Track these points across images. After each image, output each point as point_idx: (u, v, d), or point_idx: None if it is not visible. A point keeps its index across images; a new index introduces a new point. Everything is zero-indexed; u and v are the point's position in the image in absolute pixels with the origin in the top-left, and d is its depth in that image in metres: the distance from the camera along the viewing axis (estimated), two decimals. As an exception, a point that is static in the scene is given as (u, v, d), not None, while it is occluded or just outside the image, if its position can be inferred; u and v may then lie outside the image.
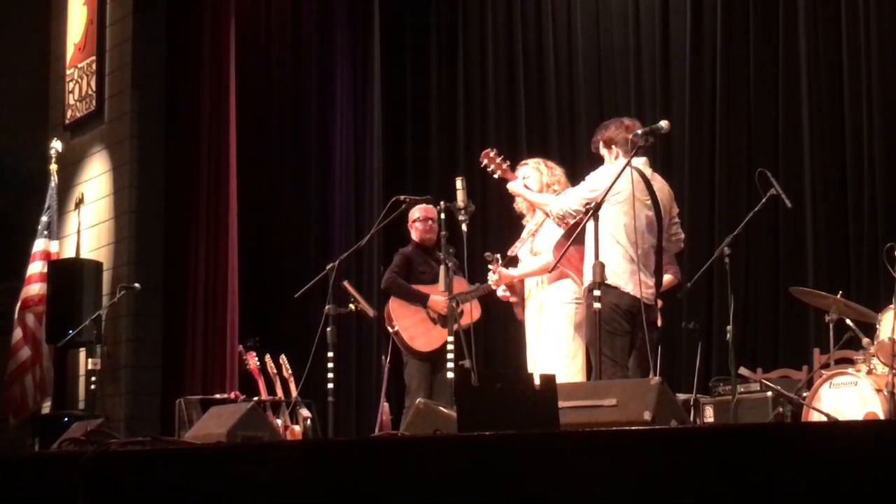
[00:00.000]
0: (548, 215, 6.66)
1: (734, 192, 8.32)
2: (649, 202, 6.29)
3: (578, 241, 6.19)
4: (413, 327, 7.65)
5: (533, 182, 7.01)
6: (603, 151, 6.49)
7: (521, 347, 7.08)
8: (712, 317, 8.16)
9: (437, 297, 7.54)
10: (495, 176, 7.00)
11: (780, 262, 8.14)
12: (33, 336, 10.05)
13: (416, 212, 7.86)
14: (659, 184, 6.44)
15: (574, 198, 6.33)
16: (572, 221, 6.34)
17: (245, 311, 9.54)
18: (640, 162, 6.32)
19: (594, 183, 6.24)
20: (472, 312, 7.43)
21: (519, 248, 7.06)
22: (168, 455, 4.41)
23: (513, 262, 7.10)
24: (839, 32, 7.99)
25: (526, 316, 7.03)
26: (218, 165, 9.65)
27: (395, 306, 7.71)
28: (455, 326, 6.53)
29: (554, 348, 6.82)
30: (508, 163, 6.98)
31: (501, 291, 7.11)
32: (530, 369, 6.86)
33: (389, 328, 7.71)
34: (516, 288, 7.08)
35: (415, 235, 7.93)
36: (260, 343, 8.79)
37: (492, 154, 6.99)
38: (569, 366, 6.79)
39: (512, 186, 6.95)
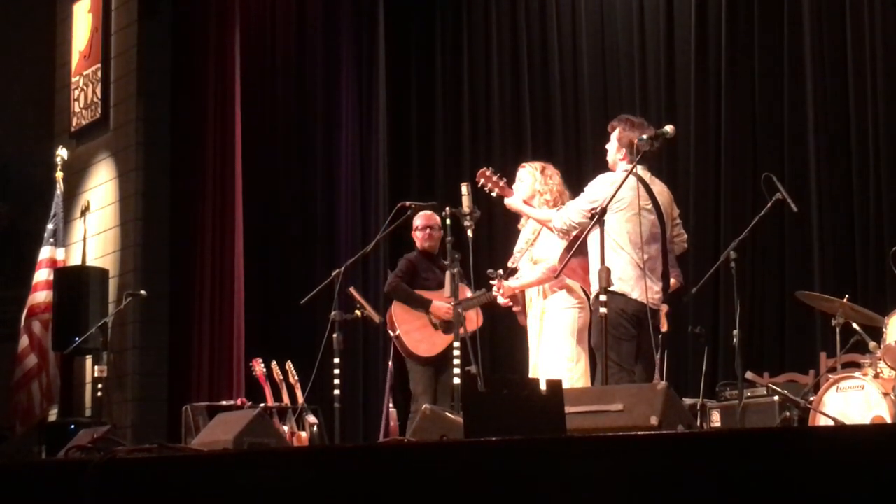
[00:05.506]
0: (551, 230, 6.64)
1: (740, 196, 8.31)
2: (650, 207, 6.30)
3: (581, 251, 6.19)
4: (415, 332, 7.63)
5: (525, 187, 7.01)
6: (613, 142, 6.46)
7: (526, 354, 7.08)
8: (718, 321, 8.14)
9: (440, 303, 7.54)
10: (493, 194, 7.00)
11: (787, 266, 8.12)
12: (40, 344, 10.07)
13: (417, 219, 7.84)
14: (658, 187, 6.44)
15: (575, 211, 6.33)
16: (575, 234, 6.34)
17: (251, 317, 9.54)
18: (639, 167, 6.32)
19: (594, 193, 6.25)
20: (475, 320, 7.43)
21: (519, 259, 7.06)
22: (175, 462, 4.41)
23: (513, 272, 7.10)
24: (844, 37, 7.98)
25: (528, 322, 7.05)
26: (223, 171, 9.66)
27: (397, 312, 7.70)
28: (460, 332, 6.53)
29: (556, 353, 6.83)
30: (505, 180, 6.98)
31: (503, 301, 7.10)
32: (532, 375, 6.87)
33: (391, 332, 7.69)
34: (518, 296, 7.08)
35: (417, 243, 7.93)
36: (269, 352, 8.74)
37: (488, 173, 6.98)
38: (572, 369, 6.81)
39: (510, 203, 6.94)
